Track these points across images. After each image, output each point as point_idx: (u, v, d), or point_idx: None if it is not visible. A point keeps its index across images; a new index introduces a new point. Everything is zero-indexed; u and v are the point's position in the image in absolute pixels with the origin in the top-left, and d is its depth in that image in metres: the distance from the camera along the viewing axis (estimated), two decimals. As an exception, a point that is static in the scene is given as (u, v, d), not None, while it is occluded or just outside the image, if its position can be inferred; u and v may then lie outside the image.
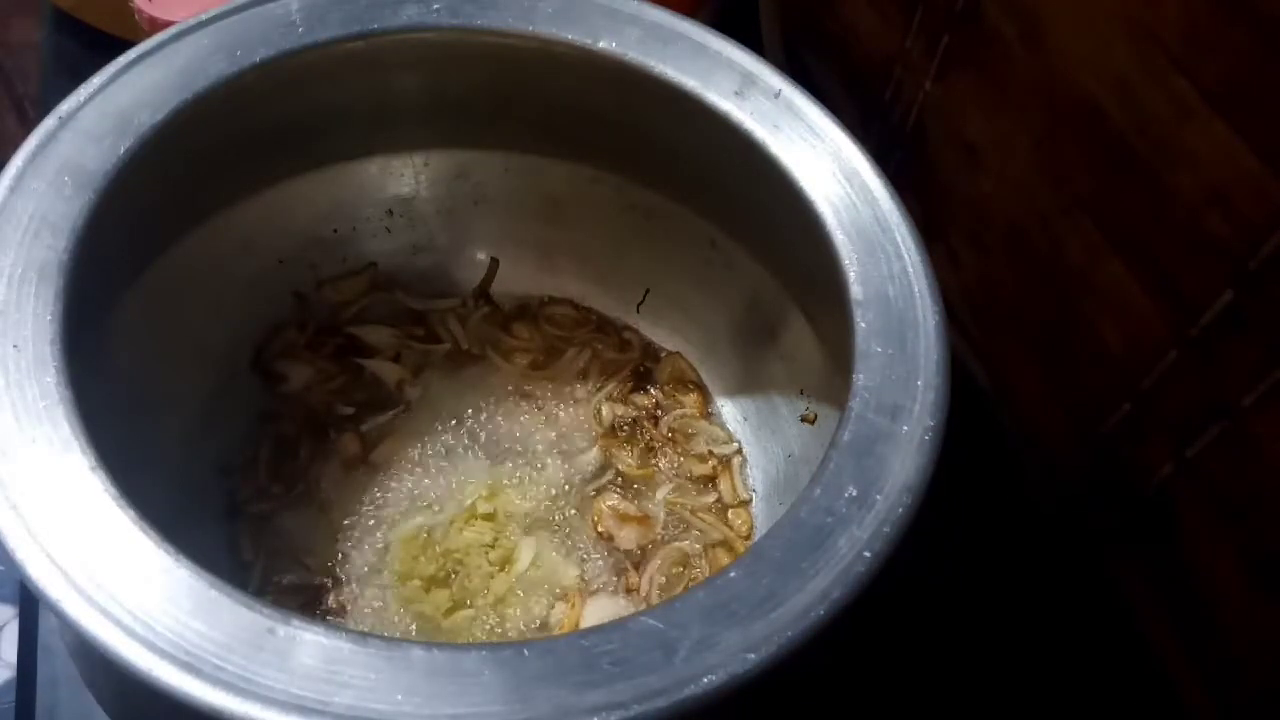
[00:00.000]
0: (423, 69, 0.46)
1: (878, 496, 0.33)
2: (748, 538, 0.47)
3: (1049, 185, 0.43)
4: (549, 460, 0.49)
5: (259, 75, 0.41)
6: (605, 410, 0.51)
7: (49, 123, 0.38)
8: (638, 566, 0.46)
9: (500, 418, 0.50)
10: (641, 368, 0.53)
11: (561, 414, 0.50)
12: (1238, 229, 0.34)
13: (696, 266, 0.51)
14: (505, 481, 0.48)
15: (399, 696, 0.28)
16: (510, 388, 0.51)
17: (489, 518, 0.46)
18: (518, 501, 0.47)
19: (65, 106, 0.39)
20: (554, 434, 0.50)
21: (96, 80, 0.40)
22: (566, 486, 0.48)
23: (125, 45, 0.41)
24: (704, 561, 0.47)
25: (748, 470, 0.50)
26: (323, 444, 0.48)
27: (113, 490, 0.31)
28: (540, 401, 0.51)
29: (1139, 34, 0.36)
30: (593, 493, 0.48)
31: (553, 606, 0.44)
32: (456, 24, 0.44)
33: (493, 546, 0.45)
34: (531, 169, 0.51)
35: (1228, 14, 0.32)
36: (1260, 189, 0.32)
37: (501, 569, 0.45)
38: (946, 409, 0.36)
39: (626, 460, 0.49)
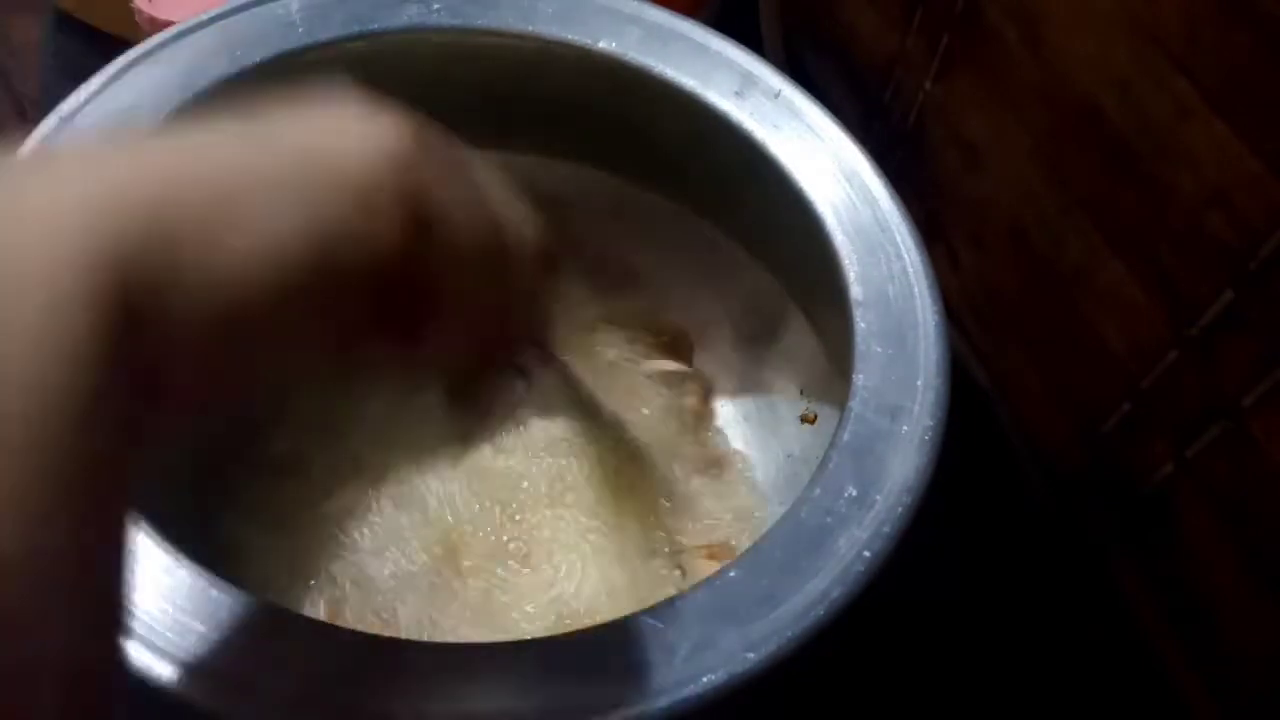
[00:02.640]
0: (423, 69, 0.46)
1: (877, 496, 0.33)
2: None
3: (1049, 185, 0.43)
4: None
5: (259, 75, 0.41)
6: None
7: (49, 123, 0.38)
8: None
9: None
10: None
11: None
12: (1238, 229, 0.34)
13: (697, 267, 0.51)
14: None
15: (400, 696, 0.28)
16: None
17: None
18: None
19: (65, 106, 0.39)
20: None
21: (96, 80, 0.40)
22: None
23: (125, 45, 0.41)
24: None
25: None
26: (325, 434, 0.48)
27: (113, 490, 0.31)
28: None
29: (1139, 34, 0.36)
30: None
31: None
32: (456, 24, 0.45)
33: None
34: (531, 169, 0.51)
35: (1228, 15, 0.32)
36: (1260, 189, 0.32)
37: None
38: (946, 409, 0.36)
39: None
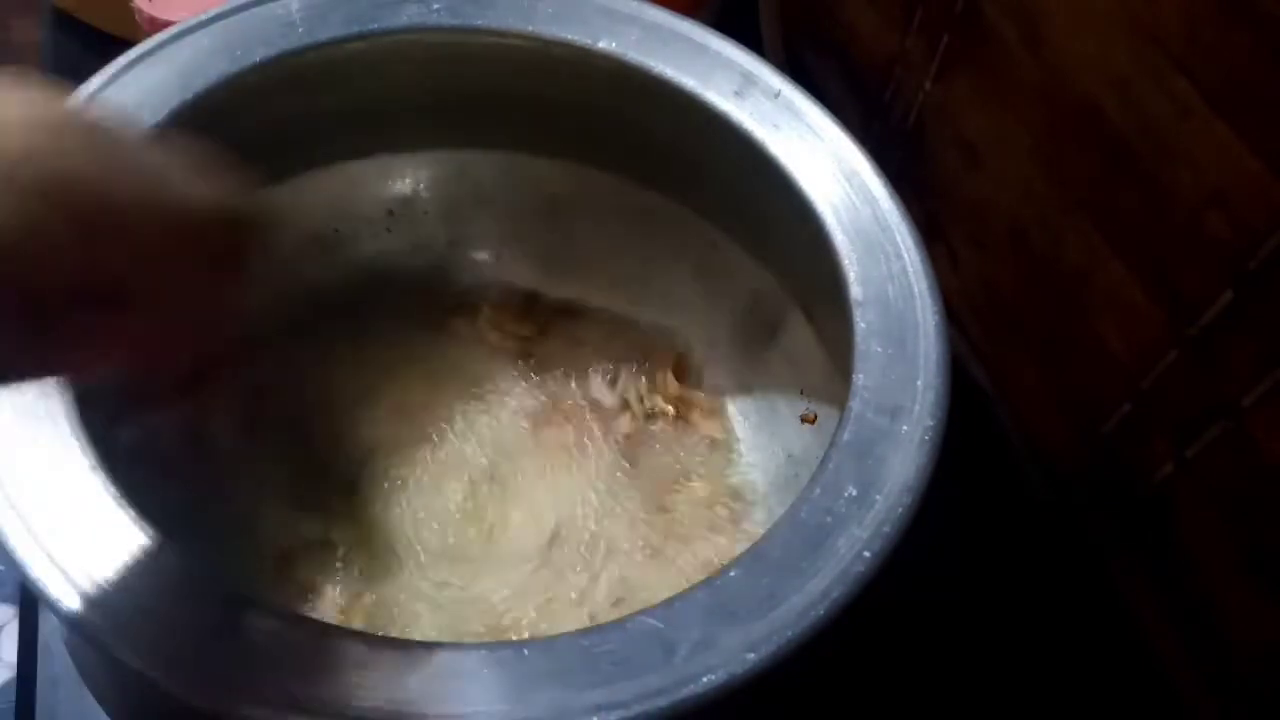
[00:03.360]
0: (423, 69, 0.46)
1: (878, 496, 0.33)
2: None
3: (1049, 185, 0.43)
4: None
5: (259, 75, 0.41)
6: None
7: (49, 123, 0.38)
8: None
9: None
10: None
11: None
12: (1238, 229, 0.34)
13: (697, 267, 0.51)
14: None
15: (400, 696, 0.28)
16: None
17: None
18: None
19: (65, 106, 0.39)
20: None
21: (96, 80, 0.40)
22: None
23: (125, 45, 0.41)
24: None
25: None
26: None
27: (112, 490, 0.31)
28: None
29: (1139, 34, 0.36)
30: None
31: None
32: (456, 24, 0.45)
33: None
34: (531, 169, 0.51)
35: (1228, 15, 0.32)
36: (1260, 189, 0.32)
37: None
38: (946, 409, 0.36)
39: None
